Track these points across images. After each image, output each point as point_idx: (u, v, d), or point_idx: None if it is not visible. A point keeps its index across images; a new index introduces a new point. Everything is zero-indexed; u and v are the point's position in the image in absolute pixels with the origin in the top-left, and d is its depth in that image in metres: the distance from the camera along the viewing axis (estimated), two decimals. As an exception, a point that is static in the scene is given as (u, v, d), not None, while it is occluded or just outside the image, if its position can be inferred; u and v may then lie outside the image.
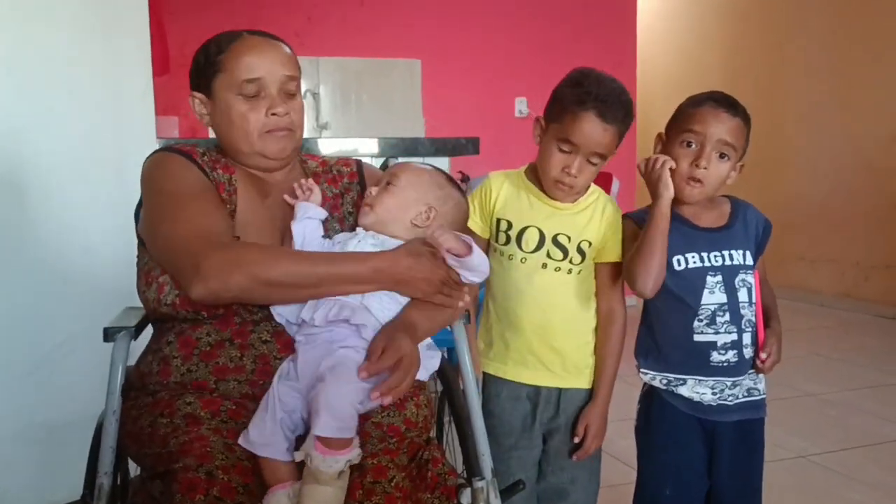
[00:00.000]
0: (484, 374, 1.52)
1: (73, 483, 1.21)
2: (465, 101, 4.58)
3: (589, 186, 1.50)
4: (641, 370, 1.48)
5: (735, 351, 1.41)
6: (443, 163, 3.11)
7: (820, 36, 5.06)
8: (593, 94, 1.34)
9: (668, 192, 1.35)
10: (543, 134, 1.42)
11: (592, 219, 1.47)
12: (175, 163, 1.23)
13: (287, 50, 1.29)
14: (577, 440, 1.49)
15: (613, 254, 1.48)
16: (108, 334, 1.17)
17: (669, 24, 6.39)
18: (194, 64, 1.28)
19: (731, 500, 1.47)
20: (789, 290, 5.27)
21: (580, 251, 1.46)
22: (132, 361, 1.23)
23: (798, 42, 5.22)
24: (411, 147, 3.03)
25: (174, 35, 3.48)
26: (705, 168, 1.37)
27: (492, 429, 1.45)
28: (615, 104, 1.35)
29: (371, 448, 1.05)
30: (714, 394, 1.43)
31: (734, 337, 1.41)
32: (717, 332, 1.41)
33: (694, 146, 1.38)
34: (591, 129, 1.34)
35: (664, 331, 1.45)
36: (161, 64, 2.71)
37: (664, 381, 1.45)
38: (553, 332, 1.47)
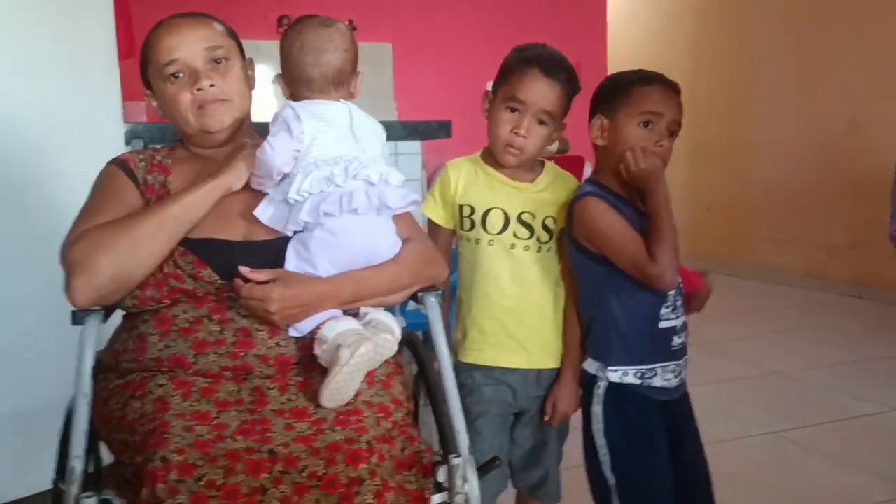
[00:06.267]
0: (461, 363, 1.51)
1: (41, 473, 1.19)
2: (437, 85, 4.56)
3: (543, 162, 1.53)
4: (610, 368, 1.41)
5: (685, 332, 1.45)
6: (415, 146, 3.10)
7: (782, 23, 5.13)
8: (538, 54, 1.42)
9: (665, 178, 1.36)
10: (492, 104, 1.46)
11: (553, 195, 1.49)
12: (105, 175, 1.28)
13: (208, 23, 1.29)
14: (546, 418, 1.51)
15: None
16: (77, 317, 1.14)
17: (638, 13, 6.42)
18: (139, 63, 1.31)
19: (702, 478, 1.47)
20: (756, 271, 5.36)
21: (546, 228, 1.47)
22: (99, 346, 1.21)
23: (760, 29, 5.29)
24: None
25: (140, 16, 3.40)
26: (665, 146, 1.39)
27: (471, 414, 1.47)
28: (559, 64, 1.42)
29: (373, 433, 1.05)
30: (676, 377, 1.44)
31: (685, 318, 1.44)
32: (677, 317, 1.42)
33: (652, 126, 1.38)
34: (538, 85, 1.40)
35: (632, 323, 1.41)
36: (126, 47, 2.64)
37: (638, 375, 1.40)
38: (529, 312, 1.48)
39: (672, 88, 1.40)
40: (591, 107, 1.46)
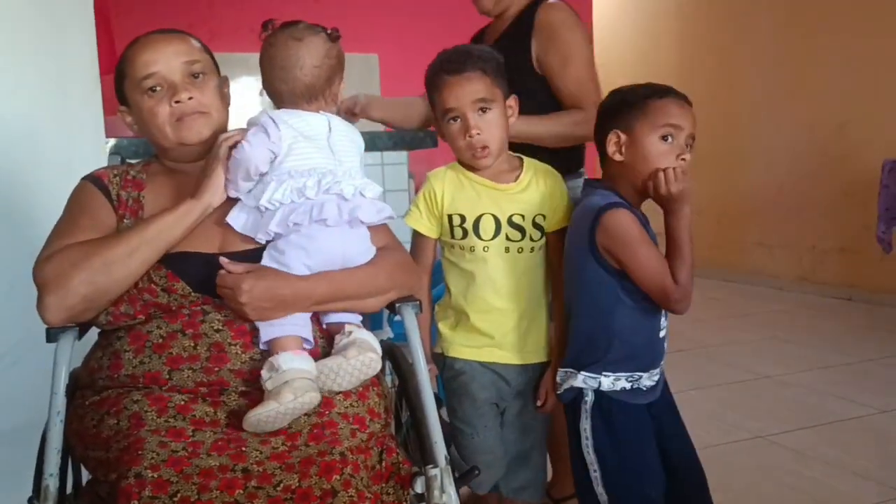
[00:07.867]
0: (452, 358, 1.52)
1: (27, 491, 1.18)
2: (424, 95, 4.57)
3: (522, 159, 1.53)
4: (604, 374, 1.39)
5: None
6: (401, 156, 3.10)
7: (769, 28, 5.15)
8: (442, 58, 1.43)
9: (690, 200, 1.34)
10: (437, 123, 1.48)
11: (538, 191, 1.49)
12: (79, 191, 1.28)
13: (185, 38, 1.30)
14: (539, 403, 1.52)
15: (564, 219, 1.49)
16: (51, 335, 1.14)
17: (624, 21, 6.45)
18: (114, 79, 1.31)
19: (687, 471, 1.47)
20: (748, 275, 5.37)
21: (536, 226, 1.48)
22: (77, 363, 1.20)
23: (748, 35, 5.31)
24: (369, 141, 2.99)
25: (121, 32, 3.41)
26: (687, 160, 1.36)
27: (460, 411, 1.49)
28: (462, 56, 1.42)
29: (347, 444, 1.04)
30: (659, 373, 1.46)
31: (667, 321, 1.46)
32: (667, 321, 1.44)
33: (672, 140, 1.35)
34: (455, 88, 1.40)
35: (637, 335, 1.41)
36: (108, 62, 2.64)
37: (630, 379, 1.40)
38: (524, 313, 1.50)
39: (686, 101, 1.38)
40: (601, 122, 1.42)
